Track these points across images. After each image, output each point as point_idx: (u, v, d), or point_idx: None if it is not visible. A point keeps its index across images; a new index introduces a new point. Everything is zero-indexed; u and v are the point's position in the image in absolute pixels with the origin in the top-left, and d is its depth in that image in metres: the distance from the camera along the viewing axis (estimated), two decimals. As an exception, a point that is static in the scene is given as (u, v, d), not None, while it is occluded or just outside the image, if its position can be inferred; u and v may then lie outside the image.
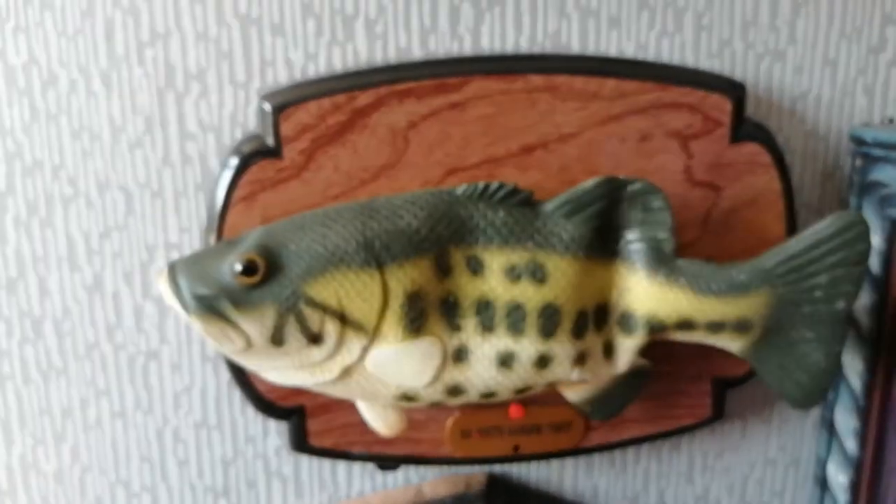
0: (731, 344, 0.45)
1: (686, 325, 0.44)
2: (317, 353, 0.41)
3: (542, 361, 0.43)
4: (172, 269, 0.40)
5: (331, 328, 0.40)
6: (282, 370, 0.42)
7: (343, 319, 0.40)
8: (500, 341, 0.42)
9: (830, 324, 0.44)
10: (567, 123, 0.47)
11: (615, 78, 0.47)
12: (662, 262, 0.43)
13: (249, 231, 0.42)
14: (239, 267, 0.39)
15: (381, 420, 0.45)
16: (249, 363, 0.42)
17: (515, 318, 0.42)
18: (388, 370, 0.42)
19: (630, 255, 0.44)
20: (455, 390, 0.43)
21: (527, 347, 0.42)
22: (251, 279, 0.39)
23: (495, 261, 0.42)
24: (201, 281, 0.40)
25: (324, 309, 0.40)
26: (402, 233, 0.41)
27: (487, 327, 0.42)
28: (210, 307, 0.39)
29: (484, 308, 0.42)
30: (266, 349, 0.40)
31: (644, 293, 0.44)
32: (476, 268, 0.42)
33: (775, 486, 0.61)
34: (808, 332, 0.44)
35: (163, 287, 0.40)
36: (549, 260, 0.42)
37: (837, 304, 0.44)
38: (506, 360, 0.43)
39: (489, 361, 0.42)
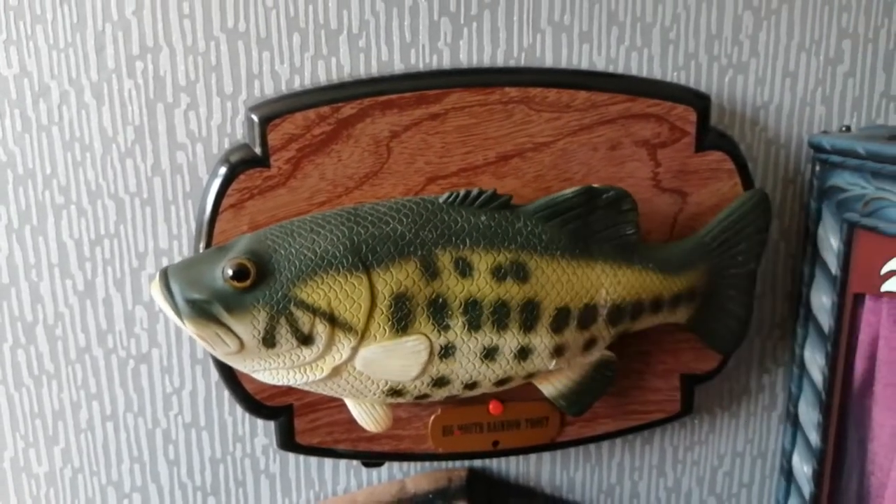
0: (683, 315, 0.51)
1: (657, 303, 0.49)
2: (308, 353, 0.43)
3: (523, 353, 0.46)
4: (164, 275, 0.42)
5: (321, 329, 0.42)
6: (273, 371, 0.43)
7: (332, 320, 0.42)
8: (486, 337, 0.45)
9: (746, 280, 0.52)
10: (541, 133, 0.49)
11: (586, 90, 0.49)
12: (634, 252, 0.48)
13: (239, 237, 0.44)
14: (230, 272, 0.41)
15: (368, 416, 0.47)
16: (242, 365, 0.44)
17: (500, 315, 0.44)
18: (376, 367, 0.44)
19: (611, 253, 0.47)
20: (440, 382, 0.45)
21: (509, 341, 0.45)
22: (242, 283, 0.41)
23: (482, 262, 0.44)
24: (193, 286, 0.41)
25: (314, 311, 0.42)
26: (388, 237, 0.43)
27: (475, 325, 0.44)
28: (202, 311, 0.41)
29: (472, 307, 0.44)
30: (258, 351, 0.42)
31: (628, 283, 0.47)
32: (465, 269, 0.44)
33: (743, 477, 0.64)
34: (732, 291, 0.52)
35: (155, 292, 0.42)
36: (531, 259, 0.45)
37: (751, 265, 0.52)
38: (489, 353, 0.45)
39: (474, 355, 0.45)
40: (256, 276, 0.41)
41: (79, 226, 0.51)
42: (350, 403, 0.47)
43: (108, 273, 0.52)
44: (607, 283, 0.47)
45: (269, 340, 0.42)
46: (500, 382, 0.47)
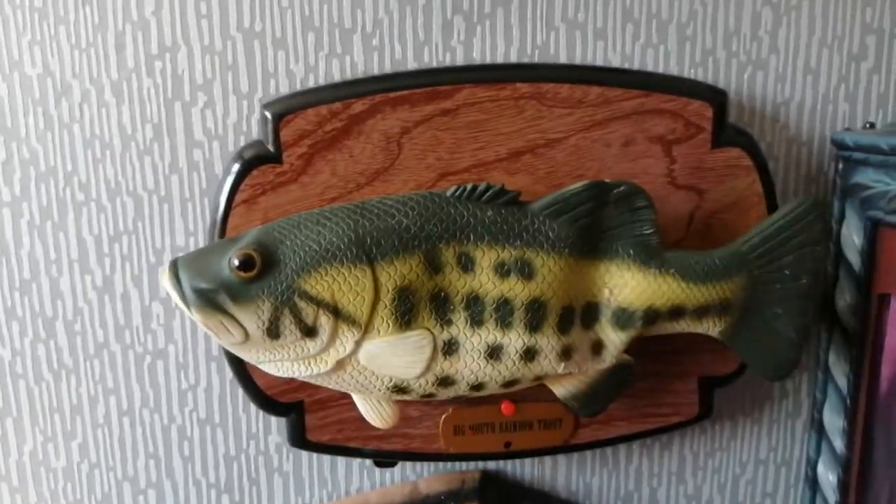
0: (714, 328, 0.48)
1: (677, 312, 0.47)
2: (311, 345, 0.43)
3: (529, 354, 0.45)
4: (174, 265, 0.43)
5: (324, 321, 0.42)
6: (279, 362, 0.43)
7: (336, 313, 0.42)
8: (489, 335, 0.44)
9: (797, 298, 0.48)
10: (553, 129, 0.49)
11: (599, 86, 0.49)
12: (653, 255, 0.46)
13: (249, 230, 0.44)
14: (236, 262, 0.41)
15: (375, 412, 0.46)
16: (248, 356, 0.44)
17: (503, 313, 0.44)
18: (379, 362, 0.43)
19: (621, 253, 0.46)
20: (445, 381, 0.45)
21: (514, 340, 0.44)
22: (248, 274, 0.41)
23: (485, 257, 0.44)
24: (201, 276, 0.42)
25: (317, 303, 0.42)
26: (393, 230, 0.43)
27: (476, 321, 0.44)
28: (209, 300, 0.41)
29: (473, 303, 0.44)
30: (263, 341, 0.42)
31: (639, 286, 0.46)
32: (467, 264, 0.44)
33: (767, 486, 0.62)
34: (778, 308, 0.48)
35: (165, 282, 0.43)
36: (537, 257, 0.44)
37: (802, 280, 0.48)
38: (494, 353, 0.44)
39: (478, 353, 0.44)
40: (262, 266, 0.41)
41: (98, 222, 0.52)
42: (357, 399, 0.47)
43: (126, 269, 0.53)
44: (611, 283, 0.46)
45: (273, 331, 0.42)
46: (508, 384, 0.46)
